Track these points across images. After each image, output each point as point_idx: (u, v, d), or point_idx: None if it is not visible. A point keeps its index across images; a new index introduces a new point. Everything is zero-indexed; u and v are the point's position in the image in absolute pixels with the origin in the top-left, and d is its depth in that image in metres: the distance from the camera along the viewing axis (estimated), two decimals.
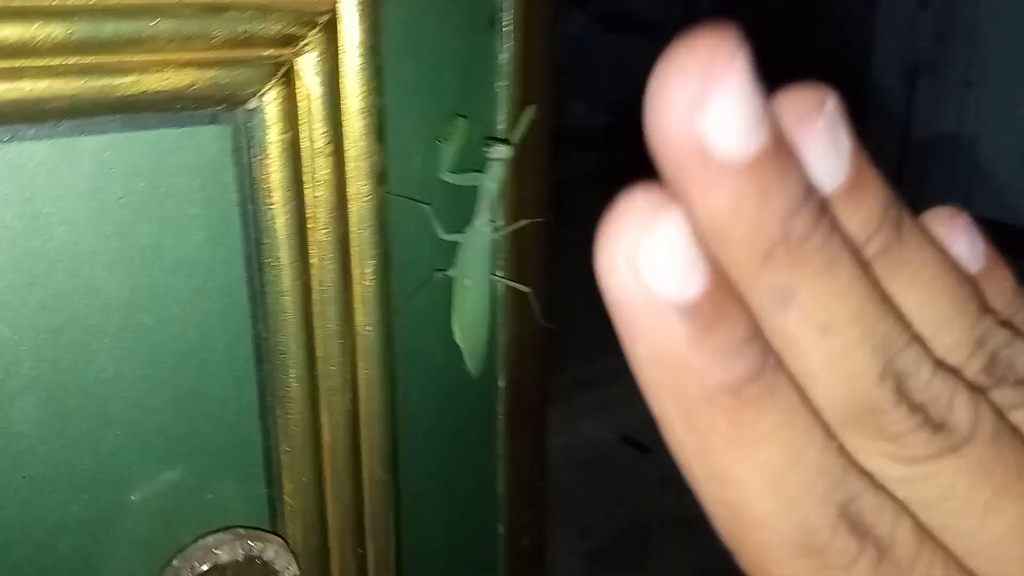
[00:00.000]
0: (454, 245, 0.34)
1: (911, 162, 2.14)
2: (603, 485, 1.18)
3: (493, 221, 0.35)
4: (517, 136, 0.34)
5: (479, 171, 0.34)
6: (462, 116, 0.33)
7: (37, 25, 0.23)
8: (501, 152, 0.33)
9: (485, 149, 0.34)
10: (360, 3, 0.28)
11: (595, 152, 2.97)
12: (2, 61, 0.23)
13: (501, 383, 0.40)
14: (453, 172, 0.33)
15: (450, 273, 0.35)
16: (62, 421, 0.27)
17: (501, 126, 0.35)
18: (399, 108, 0.31)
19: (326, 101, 0.28)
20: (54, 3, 0.23)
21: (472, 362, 0.37)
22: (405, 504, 0.35)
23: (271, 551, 0.29)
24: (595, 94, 3.09)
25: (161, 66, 0.25)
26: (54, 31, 0.23)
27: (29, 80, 0.23)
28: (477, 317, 0.37)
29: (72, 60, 0.24)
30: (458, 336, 0.36)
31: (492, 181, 0.34)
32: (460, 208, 0.34)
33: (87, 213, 0.25)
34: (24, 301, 0.25)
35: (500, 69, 0.35)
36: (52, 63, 0.23)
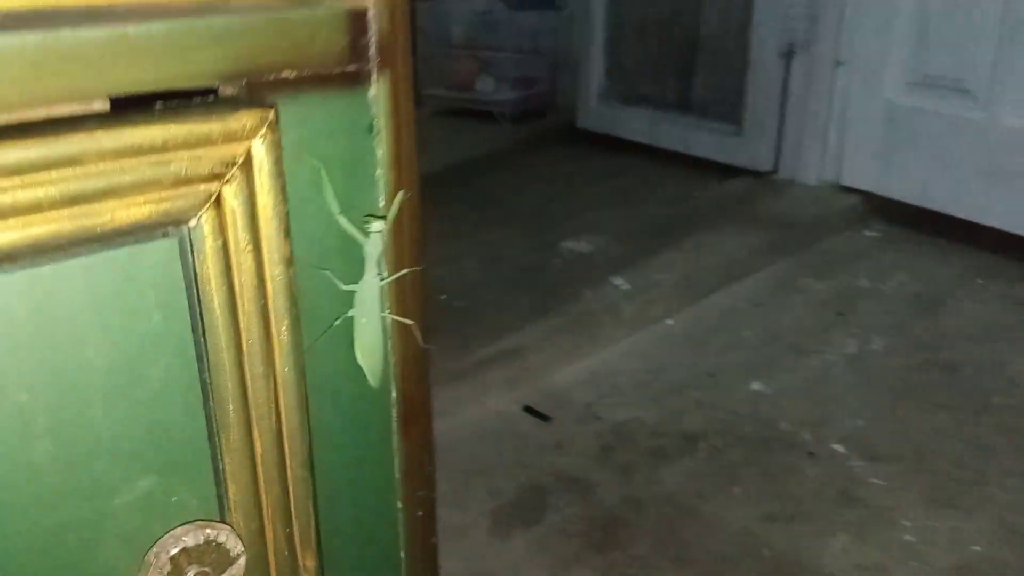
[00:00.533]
0: (351, 294, 0.46)
1: (789, 135, 2.33)
2: (508, 452, 1.32)
3: (379, 274, 0.47)
4: (392, 214, 0.46)
5: (366, 234, 0.46)
6: (319, 164, 0.44)
7: (43, 188, 0.33)
8: (378, 227, 0.45)
9: (366, 225, 0.45)
10: (265, 143, 0.39)
11: (504, 126, 3.08)
12: (17, 217, 0.33)
13: (394, 393, 0.52)
14: (343, 215, 0.44)
15: (350, 314, 0.46)
16: (65, 451, 0.38)
17: (381, 205, 0.47)
18: (303, 201, 0.42)
19: (245, 215, 0.39)
20: (52, 175, 0.33)
21: (373, 378, 0.49)
22: (322, 492, 0.47)
23: (223, 535, 0.41)
24: (503, 69, 3.19)
25: (127, 206, 0.36)
26: (52, 191, 0.34)
27: (37, 227, 0.34)
28: (373, 345, 0.49)
29: (64, 211, 0.34)
30: (360, 360, 0.48)
31: (373, 247, 0.46)
32: (353, 267, 0.46)
33: (83, 308, 0.36)
34: (38, 374, 0.36)
35: (378, 163, 0.46)
36: (52, 214, 0.34)
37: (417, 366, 0.53)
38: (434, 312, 1.59)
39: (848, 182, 2.23)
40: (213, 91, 0.39)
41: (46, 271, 0.35)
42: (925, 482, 1.25)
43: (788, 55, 2.29)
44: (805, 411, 1.43)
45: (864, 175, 2.18)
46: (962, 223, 1.98)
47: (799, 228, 2.05)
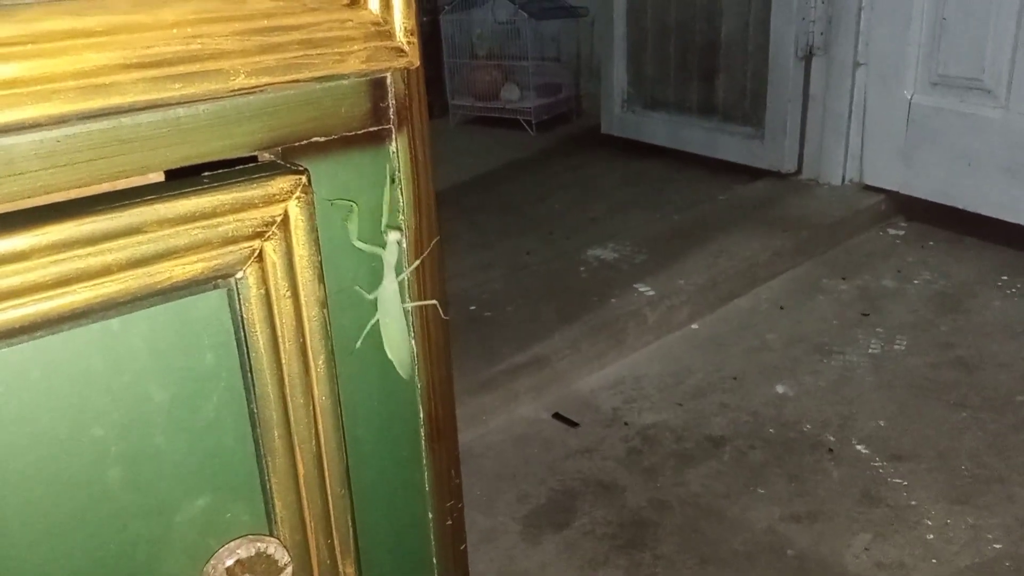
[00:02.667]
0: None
1: (811, 136, 2.35)
2: (536, 458, 1.37)
3: (397, 277, 0.52)
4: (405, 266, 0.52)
5: (382, 247, 0.51)
6: (352, 202, 0.50)
7: (112, 255, 0.39)
8: (394, 236, 0.51)
9: (384, 233, 0.51)
10: (300, 203, 0.44)
11: (529, 133, 3.13)
12: (90, 280, 0.39)
13: (421, 413, 0.58)
14: (361, 241, 0.50)
15: (377, 317, 0.52)
16: (134, 475, 0.44)
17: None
18: (334, 246, 0.48)
19: (284, 266, 0.45)
20: (120, 243, 0.39)
21: (403, 370, 0.54)
22: (359, 506, 0.52)
23: (272, 547, 0.46)
24: (527, 78, 3.25)
25: (183, 264, 0.41)
26: (119, 256, 0.40)
27: (107, 287, 0.40)
28: (399, 340, 0.54)
29: (130, 272, 0.40)
30: (389, 355, 0.53)
31: (391, 255, 0.51)
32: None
33: (147, 353, 0.42)
34: (110, 410, 0.42)
35: (401, 208, 0.52)
36: (119, 276, 0.40)
37: (442, 388, 0.58)
38: (462, 323, 1.65)
39: (871, 181, 2.24)
40: (253, 159, 0.45)
41: (115, 323, 0.41)
42: (946, 481, 1.27)
43: (807, 57, 2.31)
44: (828, 412, 1.45)
45: (887, 174, 2.20)
46: (985, 220, 1.98)
47: (823, 229, 2.07)
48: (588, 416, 1.47)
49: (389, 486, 0.57)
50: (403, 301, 0.53)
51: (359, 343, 0.51)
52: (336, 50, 0.44)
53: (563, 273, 1.88)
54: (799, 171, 2.38)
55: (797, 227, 2.06)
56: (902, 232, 2.15)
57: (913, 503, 1.24)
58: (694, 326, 1.76)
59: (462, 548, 0.64)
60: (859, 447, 1.37)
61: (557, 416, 1.46)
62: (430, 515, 0.60)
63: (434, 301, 0.56)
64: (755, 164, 2.42)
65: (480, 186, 2.52)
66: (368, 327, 0.52)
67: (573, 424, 1.44)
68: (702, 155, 2.57)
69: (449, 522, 0.62)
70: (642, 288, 1.77)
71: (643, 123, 2.75)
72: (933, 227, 2.13)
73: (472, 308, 1.73)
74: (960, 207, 2.03)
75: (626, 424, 1.44)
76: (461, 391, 1.29)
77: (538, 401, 1.50)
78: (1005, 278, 1.87)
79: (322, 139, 0.47)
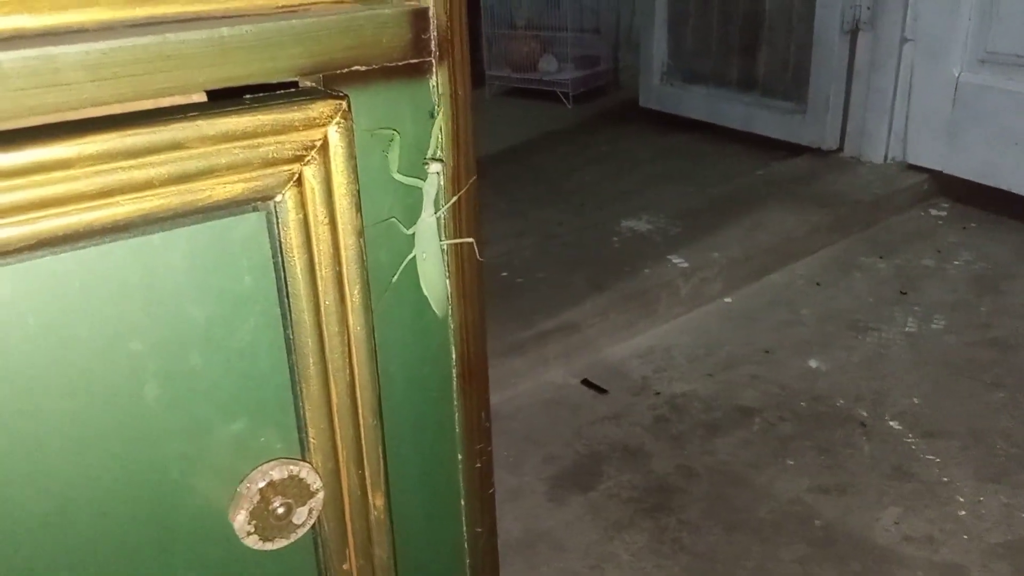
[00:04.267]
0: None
1: (854, 113, 2.30)
2: (564, 422, 1.37)
3: (435, 212, 0.52)
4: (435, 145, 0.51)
5: (422, 179, 0.51)
6: (394, 131, 0.49)
7: (155, 169, 0.40)
8: (436, 167, 0.51)
9: (424, 167, 0.51)
10: (340, 129, 0.44)
11: (567, 105, 3.11)
12: (133, 193, 0.39)
13: (454, 354, 0.58)
14: (401, 174, 0.50)
15: (414, 253, 0.52)
16: (170, 393, 0.44)
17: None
18: (373, 177, 0.48)
19: (323, 192, 0.45)
20: (162, 157, 0.40)
21: (438, 307, 0.54)
22: (391, 442, 0.53)
23: (304, 471, 0.47)
24: (566, 49, 3.22)
25: (224, 183, 0.42)
26: (161, 171, 0.40)
27: (148, 202, 0.40)
28: (435, 276, 0.54)
29: (172, 187, 0.40)
30: (425, 291, 0.53)
31: (431, 187, 0.51)
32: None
33: (186, 271, 0.42)
34: (148, 325, 0.42)
35: (440, 144, 0.51)
36: (161, 191, 0.40)
37: (475, 329, 0.58)
38: (494, 288, 1.65)
39: (914, 160, 2.19)
40: (294, 84, 0.45)
41: (156, 239, 0.41)
42: (979, 459, 1.25)
43: (853, 32, 2.26)
44: (861, 388, 1.44)
45: (930, 153, 2.15)
46: None
47: (862, 207, 2.03)
48: (617, 383, 1.46)
49: (420, 425, 0.57)
50: (440, 238, 0.53)
51: (395, 278, 0.52)
52: None
53: (596, 243, 1.87)
54: (840, 148, 2.33)
55: (836, 204, 2.02)
56: (943, 213, 2.10)
57: (945, 479, 1.22)
58: (727, 299, 1.74)
59: (490, 492, 0.64)
60: (892, 423, 1.35)
61: (586, 382, 1.46)
62: (459, 456, 0.60)
63: (471, 239, 0.55)
64: (795, 140, 2.38)
65: (514, 157, 2.51)
66: (404, 263, 0.52)
67: (602, 391, 1.44)
68: (741, 130, 2.53)
69: (478, 465, 0.62)
70: (675, 260, 1.76)
71: (681, 97, 2.71)
72: (975, 208, 2.08)
73: (504, 274, 1.73)
74: (1004, 188, 1.98)
75: (656, 393, 1.44)
76: (491, 353, 1.29)
77: (567, 367, 1.50)
78: None
79: (363, 68, 0.47)
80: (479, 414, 0.61)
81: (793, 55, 2.41)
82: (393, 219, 0.50)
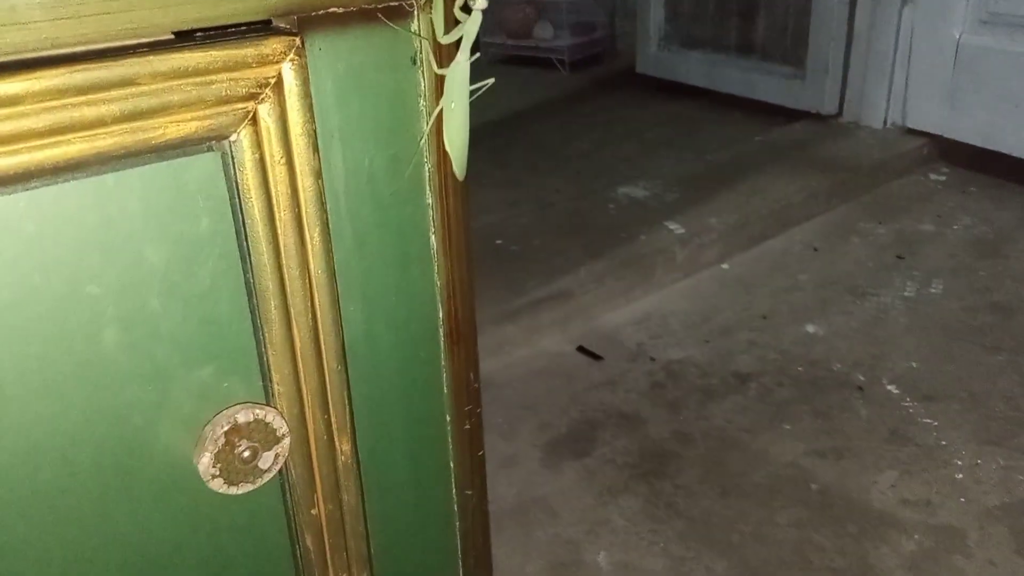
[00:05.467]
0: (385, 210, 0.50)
1: (853, 77, 2.27)
2: (559, 389, 1.36)
3: (470, 57, 0.51)
4: None
5: (468, 12, 0.49)
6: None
7: (106, 106, 0.39)
8: (481, 3, 0.49)
9: (470, 1, 0.49)
10: (294, 67, 0.43)
11: (563, 73, 3.08)
12: (84, 131, 0.38)
13: (440, 312, 0.56)
14: (445, 34, 0.48)
15: (440, 103, 0.50)
16: (130, 338, 0.44)
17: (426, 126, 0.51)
18: (356, 120, 0.47)
19: (278, 131, 0.44)
20: (113, 93, 0.39)
21: (459, 168, 0.52)
22: (377, 404, 0.52)
23: (270, 416, 0.46)
24: (561, 16, 3.18)
25: (177, 122, 0.41)
26: (113, 108, 0.39)
27: (101, 140, 0.39)
28: (461, 129, 0.52)
29: (124, 125, 0.39)
30: (448, 146, 0.51)
31: (473, 25, 0.49)
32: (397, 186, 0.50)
33: (141, 212, 0.42)
34: (105, 269, 0.42)
35: (421, 93, 0.50)
36: (113, 128, 0.39)
37: (462, 287, 0.57)
38: (488, 256, 1.64)
39: (914, 124, 2.17)
40: (267, 23, 0.43)
41: (110, 179, 0.41)
42: (977, 422, 1.24)
43: None
44: (859, 352, 1.43)
45: (930, 117, 2.12)
46: None
47: (862, 172, 2.01)
48: (612, 350, 1.46)
49: (407, 386, 0.56)
50: (468, 90, 0.49)
51: (422, 140, 0.50)
52: None
53: (591, 210, 1.86)
54: (840, 113, 2.31)
55: (835, 169, 2.00)
56: (943, 177, 2.08)
57: (943, 443, 1.21)
58: (724, 265, 1.73)
59: (480, 454, 0.64)
60: (890, 387, 1.34)
61: (581, 349, 1.45)
62: (448, 418, 0.60)
63: (491, 79, 0.52)
64: (794, 105, 2.36)
65: (510, 125, 2.49)
66: (426, 135, 0.50)
67: (597, 357, 1.43)
68: (739, 96, 2.50)
69: (467, 426, 0.61)
70: (672, 226, 1.74)
71: (679, 62, 2.68)
72: (975, 172, 2.06)
73: (498, 242, 1.72)
74: (1005, 151, 1.96)
75: (651, 359, 1.43)
76: (484, 321, 1.29)
77: (562, 334, 1.50)
78: None
79: (340, 10, 0.45)
80: (467, 375, 0.61)
81: (792, 19, 2.38)
82: (428, 58, 0.48)
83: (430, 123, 0.51)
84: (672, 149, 2.24)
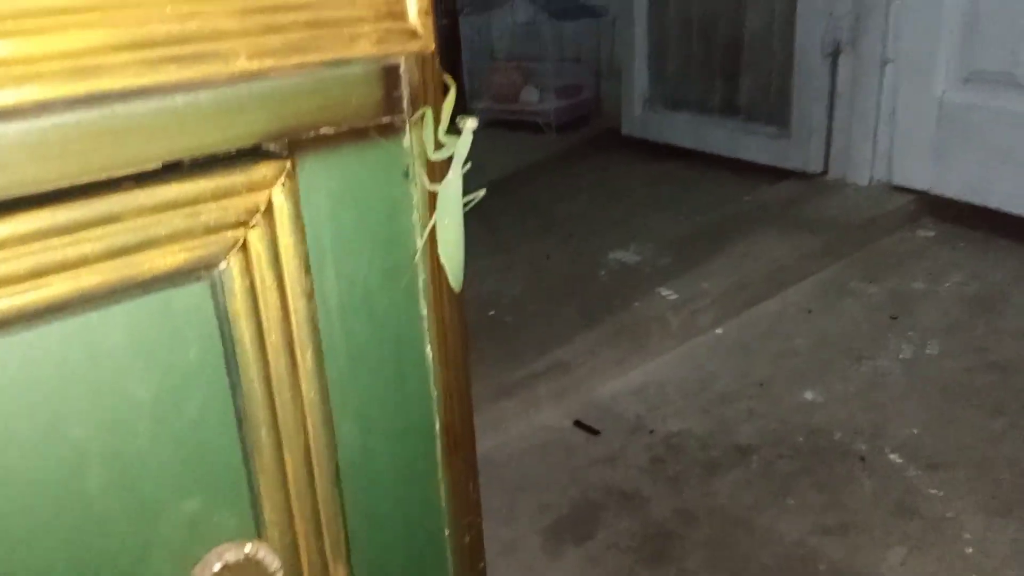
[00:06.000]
0: (375, 320, 0.49)
1: (838, 135, 2.29)
2: (558, 466, 1.33)
3: (462, 173, 0.50)
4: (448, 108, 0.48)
5: (457, 134, 0.48)
6: (427, 110, 0.47)
7: (90, 244, 0.37)
8: (471, 124, 0.48)
9: (459, 123, 0.48)
10: (285, 191, 0.42)
11: (550, 135, 3.10)
12: (68, 271, 0.37)
13: (437, 423, 0.55)
14: (435, 151, 0.47)
15: (434, 217, 0.49)
16: (116, 478, 0.42)
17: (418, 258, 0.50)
18: (349, 233, 0.46)
19: (269, 256, 0.43)
20: (98, 231, 0.37)
21: (454, 280, 0.51)
22: (373, 520, 0.50)
23: (261, 552, 0.44)
24: (547, 79, 3.22)
25: (164, 255, 0.39)
26: (97, 246, 0.37)
27: (85, 279, 0.38)
28: (456, 243, 0.51)
29: (108, 263, 0.38)
30: (443, 259, 0.50)
31: (463, 147, 0.48)
32: (394, 293, 0.49)
33: (128, 348, 0.40)
34: (90, 409, 0.40)
35: (415, 206, 0.49)
36: (98, 267, 0.38)
37: (460, 397, 0.56)
38: (483, 328, 1.62)
39: (901, 181, 2.18)
40: (257, 149, 0.42)
41: (94, 317, 0.39)
42: (984, 491, 1.22)
43: (834, 55, 2.26)
44: (859, 419, 1.41)
45: (917, 174, 2.14)
46: (1018, 220, 1.92)
47: (851, 230, 2.02)
48: (610, 423, 1.43)
49: (404, 501, 0.54)
50: (460, 205, 0.49)
51: (416, 257, 0.48)
52: (345, 30, 0.42)
53: (584, 276, 1.85)
54: (826, 171, 2.33)
55: (824, 229, 2.01)
56: (932, 233, 2.09)
57: (950, 515, 1.19)
58: (719, 331, 1.71)
59: (481, 566, 0.61)
60: (892, 456, 1.32)
61: (578, 423, 1.43)
62: (447, 531, 0.57)
63: (482, 191, 0.52)
64: (780, 164, 2.38)
65: (499, 189, 2.49)
66: (424, 236, 0.49)
67: (595, 432, 1.41)
68: (725, 156, 2.52)
69: (467, 539, 0.59)
70: (665, 292, 1.73)
71: (664, 124, 2.71)
72: (964, 228, 2.07)
73: (492, 312, 1.71)
74: (992, 206, 1.97)
75: (650, 432, 1.41)
76: (481, 397, 1.26)
77: (559, 407, 1.47)
78: None
79: (331, 130, 0.44)
80: (467, 485, 0.59)
81: (775, 79, 2.41)
82: (419, 173, 0.47)
83: (424, 236, 0.49)
84: (661, 211, 2.25)
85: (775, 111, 2.42)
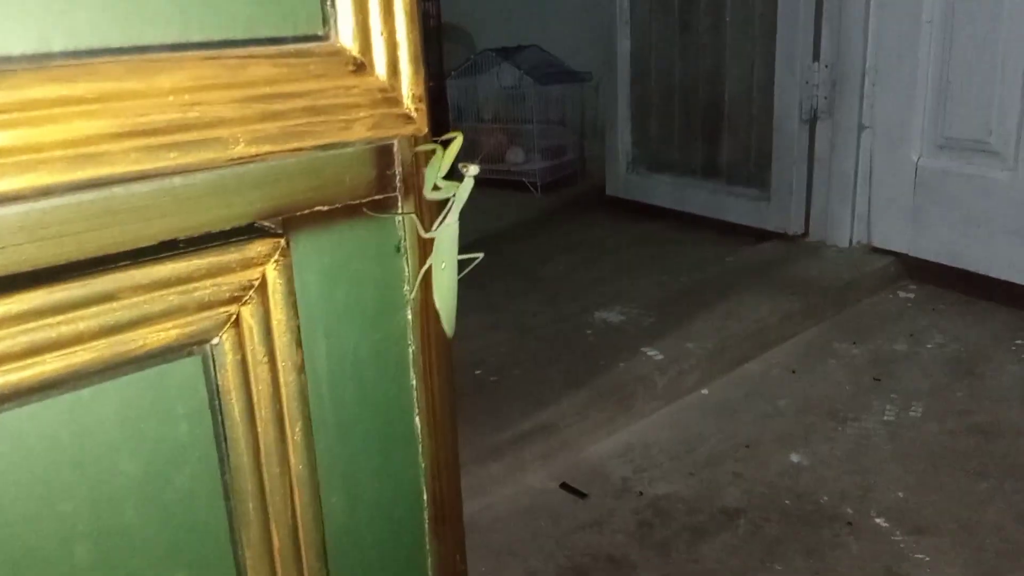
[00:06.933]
0: (361, 402, 0.50)
1: (817, 198, 2.34)
2: (545, 531, 1.32)
3: (459, 220, 0.50)
4: (452, 154, 0.49)
5: (460, 180, 0.49)
6: (439, 144, 0.48)
7: (84, 322, 0.38)
8: (474, 170, 0.49)
9: (462, 168, 0.49)
10: (278, 267, 0.43)
11: (533, 194, 3.15)
12: (61, 350, 0.38)
13: (425, 495, 0.55)
14: (432, 191, 0.48)
15: (429, 262, 0.50)
16: (104, 552, 0.41)
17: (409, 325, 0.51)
18: (340, 308, 0.46)
19: (261, 331, 0.43)
20: (92, 310, 0.38)
21: (448, 325, 0.52)
22: None
23: None
24: (532, 141, 3.29)
25: (157, 331, 0.40)
26: (92, 324, 0.38)
27: (78, 356, 0.38)
28: (450, 289, 0.51)
29: (102, 340, 0.39)
30: (438, 304, 0.51)
31: (465, 191, 0.49)
32: (386, 367, 0.49)
33: (118, 424, 0.40)
34: (79, 484, 0.40)
35: (406, 280, 0.50)
36: (91, 344, 0.38)
37: (448, 468, 0.56)
38: (469, 387, 1.62)
39: (879, 244, 2.22)
40: (251, 227, 0.43)
41: (86, 394, 0.39)
42: (969, 556, 1.22)
43: (812, 120, 2.33)
44: (845, 483, 1.41)
45: (895, 236, 2.18)
46: (996, 283, 1.96)
47: (832, 291, 2.04)
48: (597, 486, 1.42)
49: (389, 570, 0.54)
50: (456, 251, 0.50)
51: (412, 293, 0.49)
52: (341, 117, 0.44)
53: (570, 336, 1.86)
54: (806, 233, 2.37)
55: (806, 290, 2.03)
56: (912, 295, 2.12)
57: None
58: (704, 391, 1.72)
59: None
60: (878, 520, 1.31)
61: (565, 486, 1.42)
62: None
63: (480, 254, 0.53)
64: (761, 226, 2.42)
65: (485, 247, 2.47)
66: (419, 278, 0.50)
67: (582, 495, 1.40)
68: (708, 217, 2.57)
69: None
70: (650, 352, 1.74)
71: (648, 185, 2.76)
72: (943, 289, 2.10)
73: (477, 372, 1.71)
74: (970, 269, 2.01)
75: (640, 494, 1.40)
76: (467, 459, 1.26)
77: (545, 470, 1.46)
78: (1019, 342, 1.84)
79: (325, 208, 0.46)
80: (454, 557, 0.59)
81: (755, 143, 2.47)
82: (414, 219, 0.48)
83: (416, 284, 0.50)
84: (645, 271, 2.27)
85: (755, 174, 2.47)
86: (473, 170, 0.49)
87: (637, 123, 2.81)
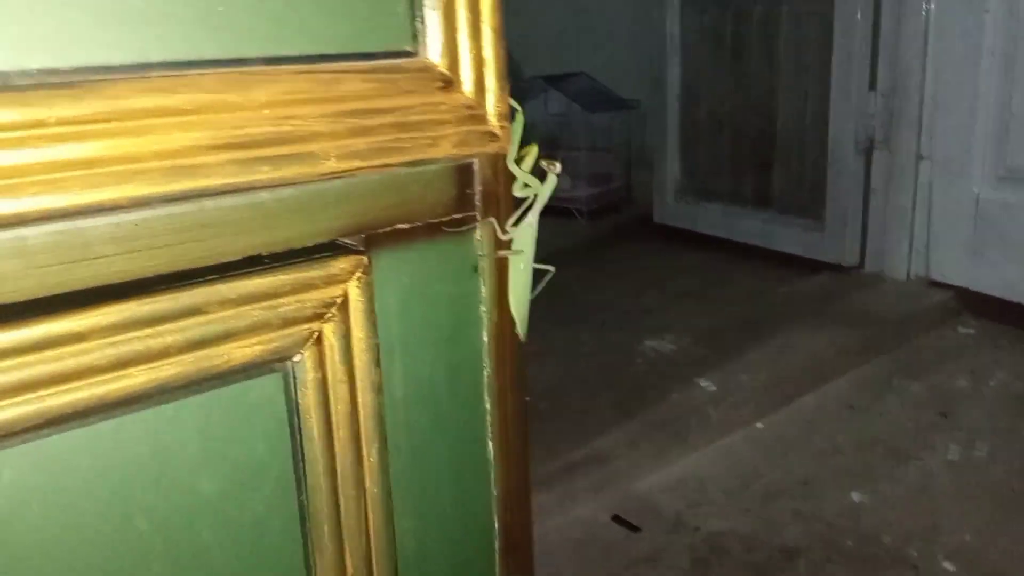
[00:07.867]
0: (435, 422, 0.48)
1: (873, 229, 2.29)
2: (597, 564, 1.29)
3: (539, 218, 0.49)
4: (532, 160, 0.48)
5: (543, 177, 0.48)
6: (519, 108, 0.47)
7: (172, 336, 0.37)
8: (557, 167, 0.48)
9: (547, 166, 0.48)
10: (360, 285, 0.42)
11: (581, 222, 3.14)
12: (147, 363, 0.37)
13: (496, 523, 0.53)
14: (522, 189, 0.47)
15: (509, 256, 0.48)
16: (178, 572, 0.41)
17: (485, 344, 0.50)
18: (417, 329, 0.45)
19: (341, 349, 0.43)
20: (180, 324, 0.37)
21: (522, 326, 0.51)
22: None
23: None
24: (579, 167, 3.28)
25: (242, 347, 0.39)
26: (179, 338, 0.38)
27: (164, 371, 0.38)
28: (526, 289, 0.50)
29: (189, 355, 0.38)
30: (513, 307, 0.49)
31: (549, 188, 0.48)
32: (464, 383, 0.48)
33: (197, 441, 0.40)
34: (156, 502, 0.39)
35: (482, 300, 0.49)
36: (177, 359, 0.38)
37: (520, 497, 0.54)
38: None
39: (938, 277, 2.16)
40: (333, 244, 0.43)
41: (168, 409, 0.39)
42: None
43: (868, 150, 2.28)
44: (909, 523, 1.35)
45: (954, 270, 2.12)
46: None
47: (889, 325, 1.99)
48: (650, 520, 1.39)
49: None
50: (536, 252, 0.49)
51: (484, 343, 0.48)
52: (429, 134, 0.43)
53: (619, 365, 1.83)
54: (861, 265, 2.31)
55: (863, 323, 1.98)
56: (972, 330, 2.05)
57: None
58: (759, 425, 1.68)
59: None
60: (946, 563, 1.26)
61: (617, 518, 1.39)
62: None
63: (552, 268, 0.52)
64: (814, 256, 2.37)
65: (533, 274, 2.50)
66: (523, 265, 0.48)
67: (634, 529, 1.36)
68: (758, 246, 2.52)
69: None
70: (703, 383, 1.71)
71: (696, 213, 2.73)
72: (1005, 325, 2.03)
73: (527, 399, 1.69)
74: None
75: (696, 529, 1.36)
76: None
77: (596, 501, 1.43)
78: None
79: (406, 226, 0.45)
80: None
81: (808, 173, 2.43)
82: (492, 222, 0.47)
83: (488, 285, 0.49)
84: (695, 300, 2.24)
85: (809, 204, 2.43)
86: (557, 167, 0.48)
87: (685, 151, 2.79)
